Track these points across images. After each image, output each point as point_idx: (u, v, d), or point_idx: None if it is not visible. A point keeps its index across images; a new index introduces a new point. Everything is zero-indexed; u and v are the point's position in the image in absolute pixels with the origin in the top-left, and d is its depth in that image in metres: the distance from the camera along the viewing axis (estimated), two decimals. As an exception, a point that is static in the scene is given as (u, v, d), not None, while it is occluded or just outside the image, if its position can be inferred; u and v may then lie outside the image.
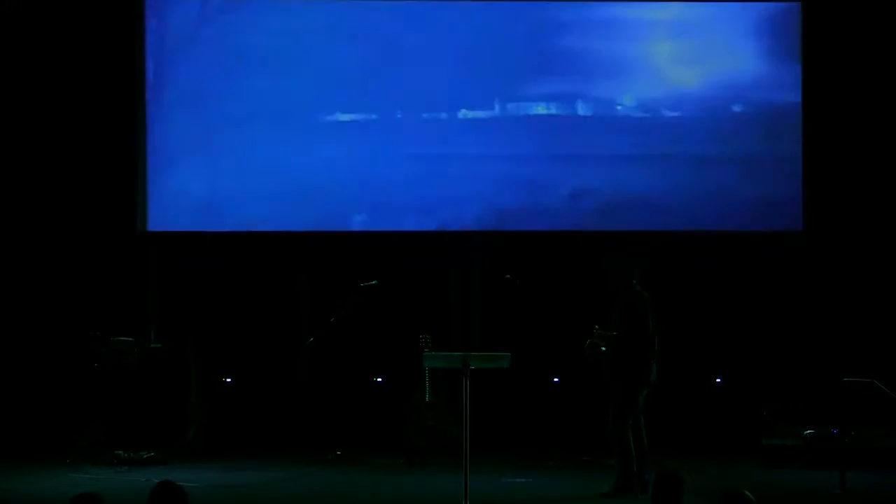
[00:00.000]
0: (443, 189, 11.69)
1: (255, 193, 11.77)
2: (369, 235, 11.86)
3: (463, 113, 11.73)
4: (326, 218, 11.76)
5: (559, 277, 11.70)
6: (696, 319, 11.74)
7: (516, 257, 11.44)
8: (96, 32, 11.91)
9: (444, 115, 11.77)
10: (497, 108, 11.72)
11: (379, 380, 11.84)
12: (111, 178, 11.96)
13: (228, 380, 11.89)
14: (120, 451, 10.61)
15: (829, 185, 11.75)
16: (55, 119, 12.02)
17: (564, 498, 9.36)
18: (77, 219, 11.99)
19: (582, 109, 11.74)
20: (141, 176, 11.86)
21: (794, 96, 11.66)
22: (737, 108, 11.71)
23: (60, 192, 12.02)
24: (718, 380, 11.74)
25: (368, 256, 11.77)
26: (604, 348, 9.17)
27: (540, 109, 11.72)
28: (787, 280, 11.79)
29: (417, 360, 9.81)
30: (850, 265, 11.75)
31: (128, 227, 11.90)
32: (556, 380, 11.78)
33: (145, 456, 10.59)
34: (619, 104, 11.72)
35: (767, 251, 11.79)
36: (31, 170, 12.05)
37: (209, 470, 10.22)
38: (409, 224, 11.72)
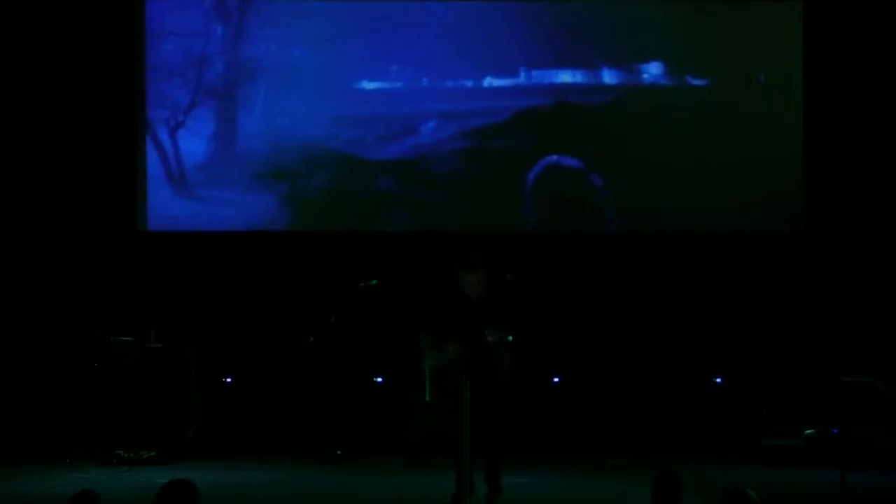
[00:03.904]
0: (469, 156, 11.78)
1: (258, 188, 11.82)
2: (369, 235, 11.87)
3: (488, 81, 11.74)
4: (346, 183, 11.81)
5: (559, 277, 11.71)
6: (696, 320, 11.74)
7: (516, 257, 11.42)
8: (96, 32, 11.91)
9: (469, 83, 11.79)
10: (522, 75, 11.73)
11: (379, 380, 11.83)
12: (111, 177, 11.95)
13: (228, 379, 11.89)
14: (120, 451, 10.61)
15: (829, 185, 11.75)
16: (55, 119, 12.01)
17: (565, 498, 9.35)
18: (77, 218, 11.98)
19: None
20: (141, 176, 11.86)
21: (794, 95, 11.66)
22: (737, 107, 11.72)
23: (60, 192, 12.02)
24: (718, 380, 11.74)
25: (368, 256, 11.77)
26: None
27: (565, 78, 11.74)
28: (787, 280, 11.79)
29: (417, 360, 9.80)
30: (849, 265, 11.75)
31: (128, 227, 11.90)
32: (556, 380, 11.78)
33: (145, 456, 10.59)
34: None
35: (767, 251, 11.79)
36: (31, 170, 12.04)
37: (209, 470, 10.21)
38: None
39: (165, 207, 11.88)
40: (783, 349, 11.63)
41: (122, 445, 10.66)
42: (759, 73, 11.68)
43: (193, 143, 11.85)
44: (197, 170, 11.86)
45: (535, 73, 11.71)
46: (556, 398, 11.76)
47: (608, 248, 11.87)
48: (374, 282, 11.04)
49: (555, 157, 11.76)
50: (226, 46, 11.87)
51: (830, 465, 9.55)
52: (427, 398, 10.87)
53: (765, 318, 11.73)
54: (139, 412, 10.85)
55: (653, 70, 11.72)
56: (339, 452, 10.96)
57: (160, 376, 11.03)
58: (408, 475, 10.31)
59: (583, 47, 11.70)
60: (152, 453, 10.62)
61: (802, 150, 11.65)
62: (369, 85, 11.73)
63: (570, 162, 11.75)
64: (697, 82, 11.70)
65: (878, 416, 10.32)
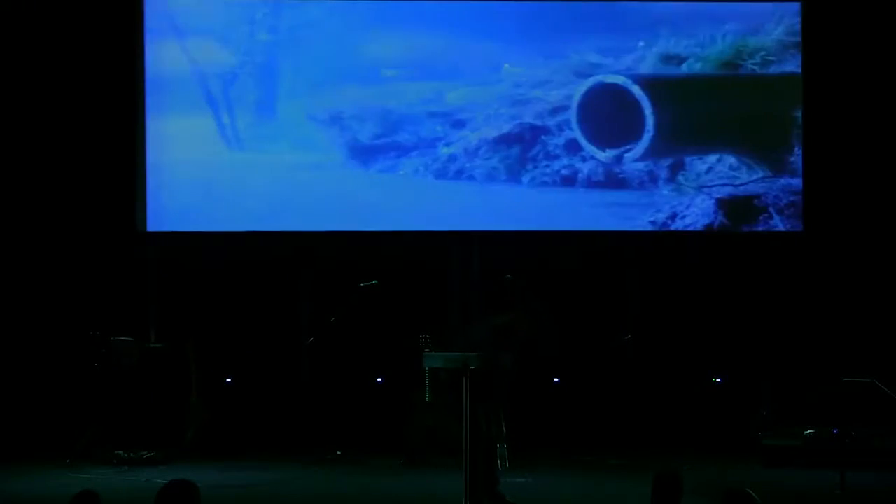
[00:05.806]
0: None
1: (255, 191, 11.82)
2: (369, 235, 11.87)
3: (506, 68, 11.76)
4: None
5: (558, 277, 11.72)
6: (695, 319, 11.75)
7: (516, 257, 11.43)
8: (95, 32, 11.91)
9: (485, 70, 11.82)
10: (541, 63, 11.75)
11: (379, 380, 11.84)
12: (111, 177, 11.96)
13: (229, 380, 11.89)
14: (120, 451, 10.62)
15: (829, 185, 11.76)
16: (55, 119, 12.02)
17: (565, 498, 9.35)
18: (77, 219, 11.99)
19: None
20: (141, 176, 11.86)
21: (794, 95, 11.67)
22: (738, 107, 11.72)
23: (60, 193, 12.02)
24: (718, 379, 11.75)
25: (368, 256, 11.77)
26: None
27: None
28: (787, 280, 11.81)
29: (417, 360, 9.80)
30: (849, 265, 11.76)
31: (128, 227, 11.91)
32: (556, 380, 11.78)
33: (145, 456, 10.60)
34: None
35: (767, 251, 11.80)
36: (31, 170, 12.05)
37: (209, 470, 10.22)
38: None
39: (217, 159, 11.85)
40: (783, 349, 11.65)
41: (122, 445, 10.66)
42: (759, 72, 11.68)
43: (243, 97, 11.93)
44: (248, 121, 11.94)
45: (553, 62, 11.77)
46: (556, 398, 11.76)
47: (608, 248, 11.87)
48: (374, 282, 11.04)
49: (600, 77, 11.77)
50: (269, 12, 11.93)
51: (830, 465, 9.56)
52: (427, 398, 10.88)
53: (765, 318, 11.74)
54: (139, 412, 10.86)
55: (650, 69, 11.73)
56: (339, 452, 10.96)
57: (160, 376, 11.04)
58: (408, 475, 10.32)
59: (580, 45, 11.75)
60: (152, 453, 10.63)
61: (802, 151, 11.66)
62: (388, 71, 11.81)
63: (615, 80, 11.76)
64: (696, 82, 11.72)
65: (878, 416, 10.32)
